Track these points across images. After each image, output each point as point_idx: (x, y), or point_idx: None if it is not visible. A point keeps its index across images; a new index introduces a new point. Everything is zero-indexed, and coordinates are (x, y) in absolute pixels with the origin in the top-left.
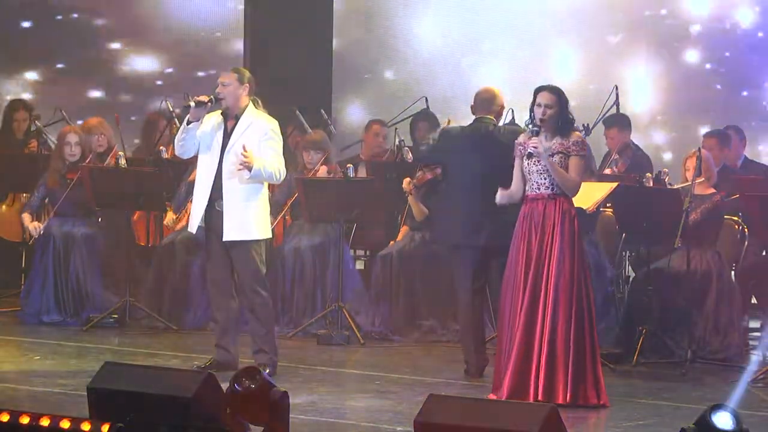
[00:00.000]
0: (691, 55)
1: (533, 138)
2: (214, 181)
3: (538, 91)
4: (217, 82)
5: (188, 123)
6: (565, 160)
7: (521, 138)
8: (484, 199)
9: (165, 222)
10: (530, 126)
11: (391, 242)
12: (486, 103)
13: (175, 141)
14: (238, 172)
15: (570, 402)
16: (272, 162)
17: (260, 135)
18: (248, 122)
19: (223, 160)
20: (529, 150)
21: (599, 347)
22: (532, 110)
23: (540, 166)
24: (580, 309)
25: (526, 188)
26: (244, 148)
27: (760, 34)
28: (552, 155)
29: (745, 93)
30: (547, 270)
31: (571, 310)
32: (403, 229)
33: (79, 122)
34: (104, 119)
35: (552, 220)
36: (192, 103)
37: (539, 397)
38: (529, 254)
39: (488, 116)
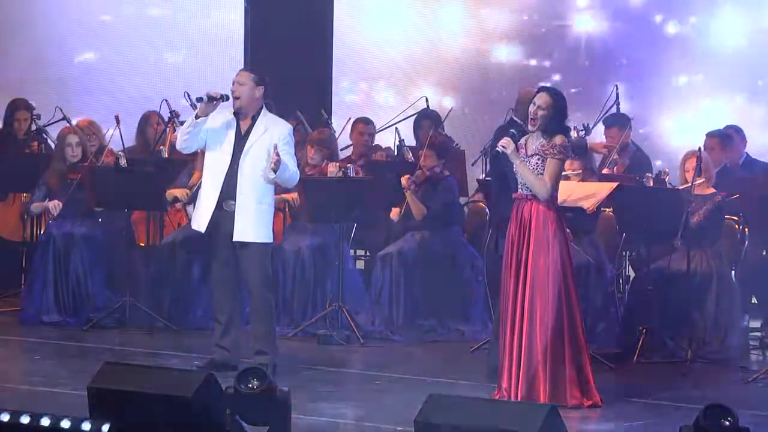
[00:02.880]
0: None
1: (505, 138)
2: (226, 181)
3: (538, 90)
4: (233, 80)
5: (197, 117)
6: (543, 162)
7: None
8: (499, 200)
9: (179, 195)
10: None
11: (395, 210)
12: (517, 103)
13: (179, 133)
14: (258, 172)
15: (549, 401)
16: (291, 165)
17: (279, 139)
18: (265, 125)
19: (240, 160)
20: (497, 149)
21: (586, 346)
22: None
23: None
24: (559, 308)
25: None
26: (275, 149)
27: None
28: (531, 156)
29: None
30: (524, 270)
31: (548, 310)
32: (395, 211)
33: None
34: (94, 120)
35: (528, 220)
36: (205, 98)
37: (519, 397)
38: (511, 255)
39: (515, 117)
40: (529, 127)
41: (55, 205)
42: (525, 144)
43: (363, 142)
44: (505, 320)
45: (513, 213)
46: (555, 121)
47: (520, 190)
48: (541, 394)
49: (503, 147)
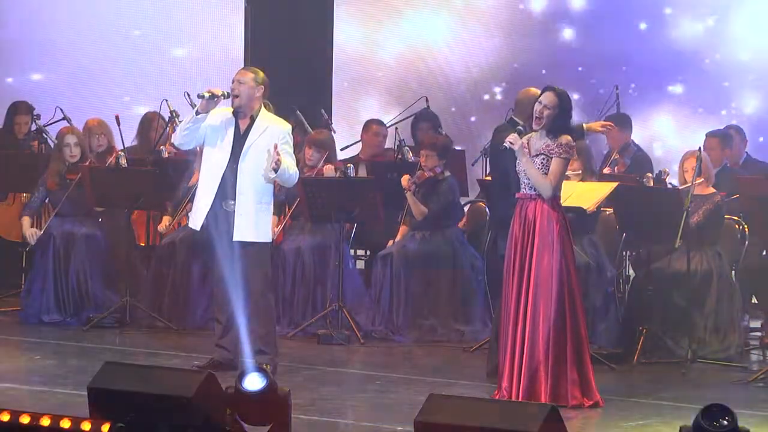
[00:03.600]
0: None
1: (512, 134)
2: (224, 180)
3: (544, 90)
4: (233, 78)
5: (197, 114)
6: (548, 161)
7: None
8: (499, 200)
9: (159, 227)
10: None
11: (390, 242)
12: (516, 104)
13: (179, 129)
14: (258, 172)
15: (550, 401)
16: (291, 164)
17: (278, 139)
18: (265, 125)
19: (240, 159)
20: (504, 144)
21: (588, 346)
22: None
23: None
24: (562, 308)
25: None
26: (275, 148)
27: None
28: (536, 155)
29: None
30: (528, 271)
31: (551, 310)
32: (403, 229)
33: None
34: (103, 120)
35: (533, 220)
36: (206, 95)
37: (520, 397)
38: (515, 255)
39: (515, 117)
40: (534, 126)
41: (32, 234)
42: (527, 143)
43: (377, 143)
44: (507, 320)
45: (516, 212)
46: (560, 120)
47: (523, 190)
48: (541, 394)
49: (510, 143)
